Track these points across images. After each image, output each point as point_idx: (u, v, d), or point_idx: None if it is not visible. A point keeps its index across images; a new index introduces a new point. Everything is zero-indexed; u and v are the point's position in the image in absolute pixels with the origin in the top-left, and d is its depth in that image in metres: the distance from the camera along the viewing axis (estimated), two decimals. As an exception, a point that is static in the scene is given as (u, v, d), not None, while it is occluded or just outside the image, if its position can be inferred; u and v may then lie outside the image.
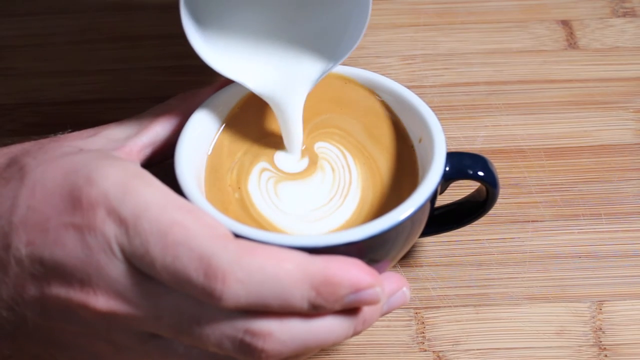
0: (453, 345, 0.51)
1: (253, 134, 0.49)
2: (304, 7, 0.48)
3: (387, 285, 0.42)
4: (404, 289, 0.42)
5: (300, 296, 0.38)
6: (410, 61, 0.64)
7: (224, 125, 0.49)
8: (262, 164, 0.48)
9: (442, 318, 0.52)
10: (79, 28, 0.65)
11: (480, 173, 0.47)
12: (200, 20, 0.46)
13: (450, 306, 0.53)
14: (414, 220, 0.43)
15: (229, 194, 0.46)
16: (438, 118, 0.47)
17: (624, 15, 0.66)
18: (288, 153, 0.48)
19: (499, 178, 0.48)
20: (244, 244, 0.39)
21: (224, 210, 0.45)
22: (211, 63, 0.46)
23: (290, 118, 0.47)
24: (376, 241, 0.42)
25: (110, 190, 0.39)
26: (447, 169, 0.46)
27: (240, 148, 0.48)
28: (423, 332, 0.52)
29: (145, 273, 0.39)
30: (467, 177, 0.47)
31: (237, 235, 0.40)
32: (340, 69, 0.50)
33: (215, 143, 0.48)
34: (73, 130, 0.46)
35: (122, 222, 0.39)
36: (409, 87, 0.59)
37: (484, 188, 0.49)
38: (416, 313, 0.53)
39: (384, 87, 0.49)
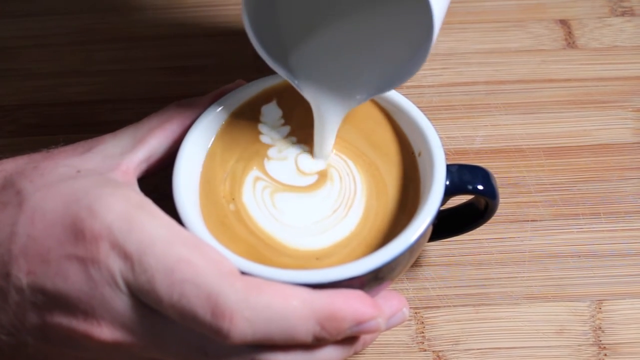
0: (453, 345, 0.52)
1: (244, 142, 0.48)
2: (371, 30, 0.48)
3: (388, 307, 0.43)
4: (404, 309, 0.44)
5: (305, 331, 0.39)
6: (409, 61, 0.63)
7: (216, 135, 0.48)
8: (255, 173, 0.47)
9: (442, 318, 0.52)
10: (79, 28, 0.65)
11: (480, 187, 0.47)
12: (261, 22, 0.46)
13: (449, 306, 0.53)
14: (415, 246, 0.43)
15: (223, 206, 0.46)
16: (436, 130, 0.47)
17: (623, 14, 0.66)
18: (313, 159, 0.48)
19: (498, 189, 0.47)
20: (250, 281, 0.39)
21: (220, 223, 0.45)
22: (268, 60, 0.46)
23: (327, 128, 0.47)
24: (378, 271, 0.42)
25: (114, 224, 0.39)
26: (447, 183, 0.46)
27: (232, 156, 0.48)
28: (423, 332, 0.52)
29: (151, 307, 0.40)
30: (466, 192, 0.47)
31: (242, 272, 0.41)
32: None
33: (207, 153, 0.48)
34: (66, 144, 0.46)
35: (127, 257, 0.39)
36: (407, 87, 0.59)
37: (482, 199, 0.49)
38: (416, 313, 0.53)
39: (383, 95, 0.49)
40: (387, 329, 0.43)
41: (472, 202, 0.50)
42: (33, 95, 0.62)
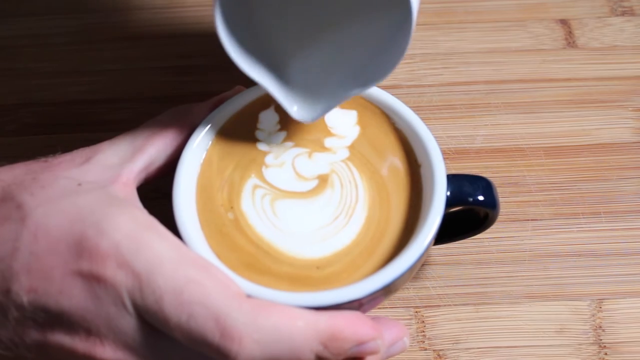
0: (453, 344, 0.52)
1: (241, 150, 0.48)
2: (343, 29, 0.47)
3: (388, 335, 0.43)
4: (405, 339, 0.44)
5: (309, 351, 0.40)
6: (409, 60, 0.64)
7: (212, 143, 0.48)
8: (253, 181, 0.46)
9: (442, 317, 0.53)
10: (79, 28, 0.65)
11: (480, 198, 0.47)
12: (234, 19, 0.45)
13: (450, 305, 0.53)
14: (415, 265, 0.43)
15: (221, 215, 0.45)
16: (437, 141, 0.47)
17: (623, 14, 0.66)
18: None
19: (499, 200, 0.47)
20: (257, 302, 0.40)
21: (218, 231, 0.45)
22: (239, 63, 0.45)
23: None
24: (378, 292, 0.43)
25: (122, 243, 0.39)
26: (448, 193, 0.45)
27: (229, 165, 0.47)
28: (423, 331, 0.52)
29: (157, 328, 0.39)
30: (467, 203, 0.47)
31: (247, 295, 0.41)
32: None
33: (203, 161, 0.47)
34: (63, 151, 0.45)
35: (135, 276, 0.39)
36: (408, 87, 0.59)
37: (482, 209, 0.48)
38: (416, 312, 0.53)
39: (385, 103, 0.49)
40: (388, 357, 0.44)
41: (472, 209, 0.50)
42: (33, 94, 0.62)
